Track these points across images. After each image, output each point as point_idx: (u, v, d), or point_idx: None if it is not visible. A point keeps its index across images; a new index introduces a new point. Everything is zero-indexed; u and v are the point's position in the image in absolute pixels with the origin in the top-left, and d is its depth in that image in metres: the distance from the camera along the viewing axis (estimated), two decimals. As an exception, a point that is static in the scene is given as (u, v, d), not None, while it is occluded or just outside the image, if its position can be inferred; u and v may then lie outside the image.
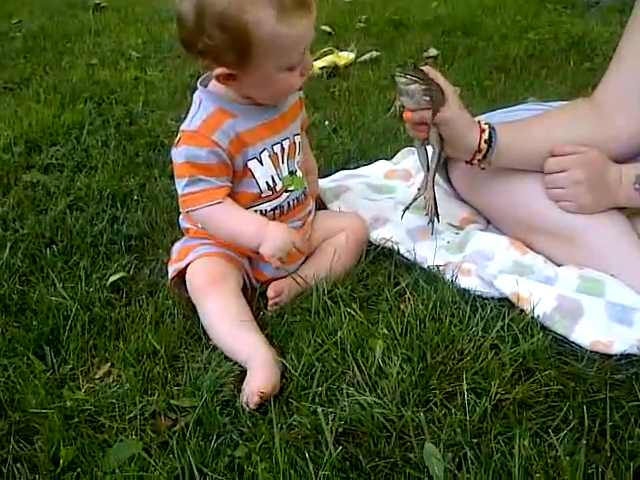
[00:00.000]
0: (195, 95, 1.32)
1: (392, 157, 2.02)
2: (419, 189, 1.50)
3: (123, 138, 2.22)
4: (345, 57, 3.21)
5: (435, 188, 1.49)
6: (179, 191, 1.28)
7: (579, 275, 1.36)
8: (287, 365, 1.14)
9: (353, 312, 1.26)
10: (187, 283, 1.30)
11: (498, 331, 1.20)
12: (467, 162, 1.45)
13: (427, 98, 1.34)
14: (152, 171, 1.97)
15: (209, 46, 1.16)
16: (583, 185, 1.38)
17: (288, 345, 1.21)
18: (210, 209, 1.25)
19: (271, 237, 1.23)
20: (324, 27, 3.84)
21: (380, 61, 3.20)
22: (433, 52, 3.28)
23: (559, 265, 1.44)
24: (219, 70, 1.20)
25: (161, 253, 1.53)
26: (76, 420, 1.07)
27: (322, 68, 3.08)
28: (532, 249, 1.48)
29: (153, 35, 3.73)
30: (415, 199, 1.49)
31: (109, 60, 3.27)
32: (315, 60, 3.15)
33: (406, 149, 2.02)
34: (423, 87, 1.33)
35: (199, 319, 1.27)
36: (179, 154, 1.26)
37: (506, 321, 1.22)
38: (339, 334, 1.19)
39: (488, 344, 1.17)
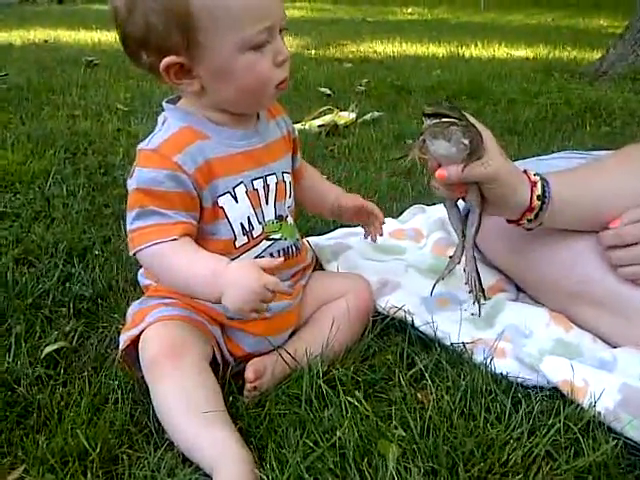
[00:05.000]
0: (160, 116, 1.07)
1: (398, 216, 1.75)
2: (451, 257, 1.20)
3: (93, 189, 1.96)
4: (345, 117, 3.02)
5: (476, 257, 1.19)
6: (127, 227, 1.01)
7: (644, 359, 1.07)
8: (264, 478, 0.83)
9: (356, 402, 0.95)
10: (140, 356, 1.00)
11: (551, 434, 0.90)
12: (512, 222, 1.17)
13: (466, 140, 1.03)
14: (120, 224, 1.69)
15: (147, 28, 0.95)
16: None
17: (268, 447, 0.89)
18: (159, 248, 0.97)
19: (233, 285, 0.93)
20: (323, 89, 3.69)
21: (382, 121, 3.01)
22: (438, 114, 3.09)
23: (612, 345, 1.15)
24: (167, 60, 0.96)
25: (116, 319, 1.23)
26: None
27: (320, 126, 2.88)
28: (576, 324, 1.20)
29: (143, 90, 3.54)
30: (449, 271, 1.19)
31: (93, 112, 3.06)
32: (313, 119, 2.97)
33: (415, 207, 1.77)
34: (463, 127, 1.03)
35: (150, 405, 0.96)
36: (132, 181, 1.00)
37: (560, 419, 0.92)
38: (338, 433, 0.88)
39: (541, 451, 0.86)
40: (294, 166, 1.21)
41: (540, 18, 8.71)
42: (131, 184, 1.00)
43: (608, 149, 1.64)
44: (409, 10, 9.84)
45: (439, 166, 1.08)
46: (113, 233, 1.64)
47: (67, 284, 1.38)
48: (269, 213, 1.09)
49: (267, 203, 1.09)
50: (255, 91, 1.02)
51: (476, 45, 5.72)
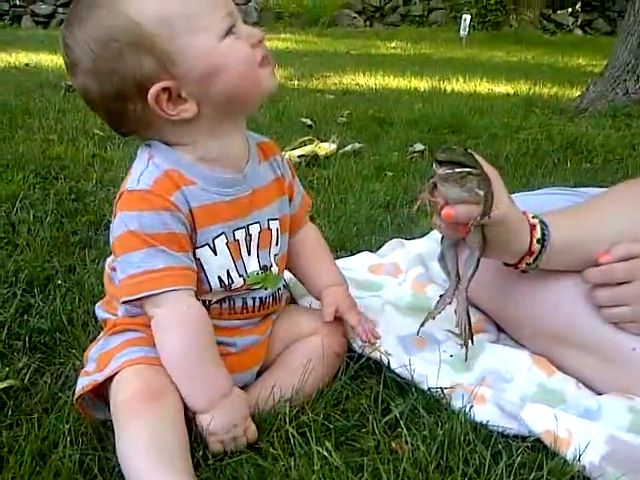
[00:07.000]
0: (142, 149, 1.00)
1: (377, 249, 1.70)
2: (441, 296, 1.14)
3: (62, 215, 1.89)
4: (325, 148, 2.98)
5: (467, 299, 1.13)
6: (126, 272, 0.93)
7: (629, 407, 1.02)
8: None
9: (326, 452, 0.89)
10: (111, 399, 0.93)
11: (534, 490, 0.84)
12: (509, 265, 1.13)
13: (481, 192, 0.99)
14: (87, 252, 1.62)
15: (118, 75, 0.91)
16: None
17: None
18: (178, 300, 0.93)
19: (227, 410, 0.93)
20: (304, 120, 3.67)
21: (362, 153, 2.98)
22: (419, 147, 3.07)
23: (596, 391, 1.10)
24: (153, 90, 0.91)
25: (74, 354, 1.16)
26: None
27: (300, 157, 2.84)
28: (560, 367, 1.15)
29: (121, 116, 3.49)
30: (440, 311, 1.14)
31: (69, 137, 2.99)
32: (294, 149, 2.93)
33: (394, 240, 1.72)
34: (477, 177, 0.99)
35: (103, 452, 0.88)
36: (122, 222, 0.93)
37: (543, 474, 0.86)
38: (304, 488, 0.81)
39: (523, 511, 0.80)
40: (291, 210, 1.15)
41: (520, 55, 8.83)
42: (120, 227, 0.93)
43: (590, 185, 1.62)
44: (392, 44, 9.93)
45: (446, 204, 1.02)
46: (78, 262, 1.57)
47: (25, 316, 1.31)
48: (252, 264, 1.04)
49: (249, 254, 1.04)
50: (246, 74, 0.96)
51: (458, 80, 5.75)
